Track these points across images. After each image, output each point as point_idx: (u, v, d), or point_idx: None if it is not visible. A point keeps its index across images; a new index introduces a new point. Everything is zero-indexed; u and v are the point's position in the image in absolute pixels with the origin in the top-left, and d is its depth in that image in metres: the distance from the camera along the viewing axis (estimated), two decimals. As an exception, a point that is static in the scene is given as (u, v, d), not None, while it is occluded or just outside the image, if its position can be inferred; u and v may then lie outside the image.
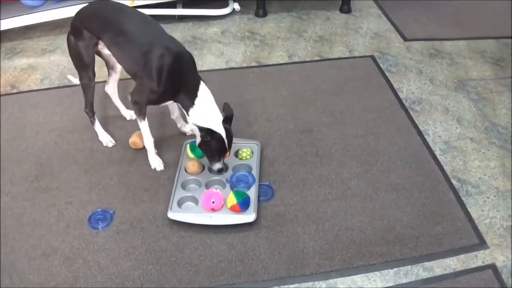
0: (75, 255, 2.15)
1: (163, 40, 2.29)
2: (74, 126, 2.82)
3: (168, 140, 2.70)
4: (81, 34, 2.38)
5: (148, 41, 2.26)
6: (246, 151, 2.56)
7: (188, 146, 2.55)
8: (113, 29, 2.31)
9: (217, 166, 2.33)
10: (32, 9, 3.48)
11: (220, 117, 2.26)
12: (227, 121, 2.27)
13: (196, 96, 2.25)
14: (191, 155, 2.51)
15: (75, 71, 2.51)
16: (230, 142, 2.28)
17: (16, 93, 3.13)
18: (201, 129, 2.20)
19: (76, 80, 2.67)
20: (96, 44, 2.42)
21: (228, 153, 2.37)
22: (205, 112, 2.26)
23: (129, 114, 2.86)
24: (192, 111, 2.27)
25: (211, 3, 3.79)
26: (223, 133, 2.23)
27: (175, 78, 2.25)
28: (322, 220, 2.29)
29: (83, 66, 2.45)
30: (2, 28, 3.45)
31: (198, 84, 2.28)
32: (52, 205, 2.37)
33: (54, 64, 3.39)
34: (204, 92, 2.28)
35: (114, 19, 2.33)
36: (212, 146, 2.25)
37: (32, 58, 3.46)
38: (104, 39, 2.36)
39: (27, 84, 3.20)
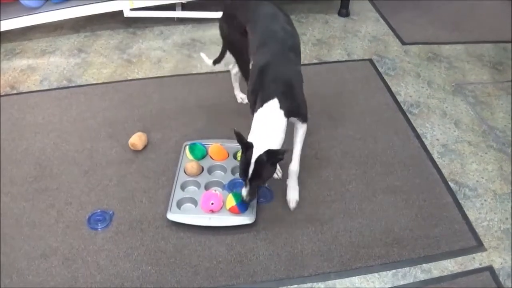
0: (74, 255, 2.16)
1: (271, 43, 2.25)
2: (73, 127, 2.83)
3: (167, 141, 2.70)
4: (234, 21, 2.47)
5: (264, 36, 2.29)
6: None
7: (187, 147, 2.56)
8: (251, 18, 2.39)
9: (243, 190, 2.13)
10: (31, 10, 3.48)
11: (268, 143, 2.04)
12: (270, 157, 2.01)
13: (261, 106, 2.09)
14: (190, 156, 2.52)
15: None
16: (254, 172, 2.03)
17: (16, 94, 3.13)
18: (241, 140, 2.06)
19: (208, 61, 2.84)
20: (244, 29, 2.43)
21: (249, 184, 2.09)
22: (258, 126, 2.10)
23: (240, 97, 2.96)
24: (255, 115, 2.13)
25: (210, 6, 3.79)
26: (253, 154, 2.01)
27: (258, 84, 2.16)
28: (320, 222, 2.30)
29: (240, 50, 2.50)
30: (2, 29, 3.45)
31: (270, 99, 2.09)
32: (51, 205, 2.38)
33: (53, 65, 3.39)
34: (268, 111, 2.09)
35: (252, 9, 2.42)
36: (241, 158, 2.10)
37: (31, 59, 3.46)
38: (247, 26, 2.41)
39: (26, 85, 3.20)
